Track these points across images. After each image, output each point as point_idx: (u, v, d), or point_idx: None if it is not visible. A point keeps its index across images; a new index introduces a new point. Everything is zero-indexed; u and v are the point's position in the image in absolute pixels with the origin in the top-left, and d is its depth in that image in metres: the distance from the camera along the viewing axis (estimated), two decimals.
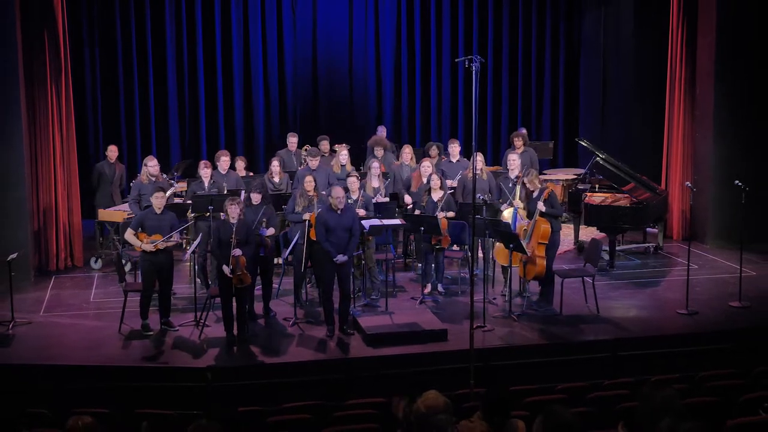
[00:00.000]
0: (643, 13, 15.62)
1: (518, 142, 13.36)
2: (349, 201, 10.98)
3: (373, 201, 11.33)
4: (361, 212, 10.78)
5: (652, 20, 15.17)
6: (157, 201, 10.01)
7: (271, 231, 10.39)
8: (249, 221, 9.91)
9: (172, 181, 12.35)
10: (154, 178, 11.80)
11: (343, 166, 12.53)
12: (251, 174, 13.30)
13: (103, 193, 12.99)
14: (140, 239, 9.85)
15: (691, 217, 13.83)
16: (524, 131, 14.18)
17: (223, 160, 11.97)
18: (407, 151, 12.98)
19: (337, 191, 9.82)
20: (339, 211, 9.79)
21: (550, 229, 10.27)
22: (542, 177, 12.19)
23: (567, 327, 10.17)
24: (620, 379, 8.15)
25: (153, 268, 9.90)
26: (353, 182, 11.05)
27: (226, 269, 9.40)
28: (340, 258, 9.72)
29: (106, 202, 12.87)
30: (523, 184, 10.68)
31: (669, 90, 14.22)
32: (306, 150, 12.80)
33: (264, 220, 10.23)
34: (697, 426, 4.69)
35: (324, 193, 11.09)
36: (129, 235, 10.01)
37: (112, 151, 13.22)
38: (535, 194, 10.47)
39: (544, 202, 10.36)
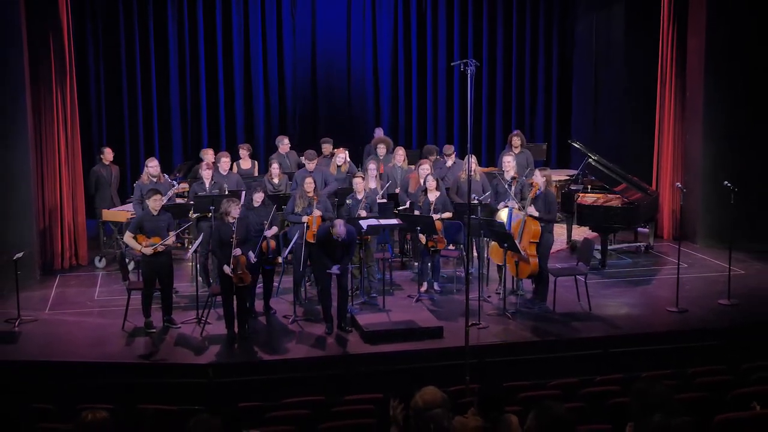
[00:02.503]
0: (634, 17, 15.72)
1: (516, 141, 13.55)
2: (349, 202, 11.17)
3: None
4: (362, 213, 10.93)
5: (643, 24, 15.27)
6: (154, 203, 10.07)
7: (273, 230, 10.52)
8: (251, 222, 10.06)
9: (174, 182, 12.44)
10: (155, 179, 11.87)
11: (339, 167, 12.67)
12: (255, 168, 13.52)
13: (102, 196, 12.96)
14: (139, 242, 9.94)
15: (681, 217, 13.92)
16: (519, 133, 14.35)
17: (224, 161, 12.14)
18: (400, 153, 13.09)
19: (340, 228, 9.79)
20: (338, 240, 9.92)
21: (540, 229, 10.38)
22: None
23: (560, 324, 10.27)
24: (612, 375, 8.19)
25: (153, 268, 10.00)
26: (359, 183, 11.20)
27: (227, 269, 9.51)
28: (335, 269, 9.87)
29: (107, 205, 12.89)
30: (522, 185, 10.84)
31: (659, 92, 14.32)
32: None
33: (265, 222, 10.40)
34: (686, 421, 4.74)
35: (322, 192, 11.28)
36: (128, 238, 10.09)
37: (108, 153, 13.20)
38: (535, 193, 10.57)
39: (534, 200, 10.50)
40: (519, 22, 17.88)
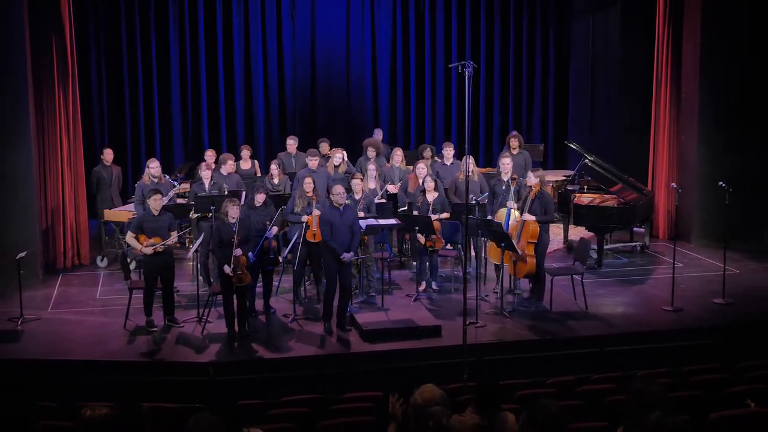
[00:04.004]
0: (630, 19, 15.80)
1: (514, 142, 13.62)
2: (349, 202, 11.24)
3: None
4: (360, 213, 10.93)
5: (639, 26, 15.37)
6: (154, 203, 10.12)
7: (274, 230, 10.57)
8: (253, 222, 10.13)
9: (174, 183, 12.51)
10: (156, 180, 11.95)
11: (336, 167, 12.72)
12: (257, 168, 13.61)
13: (103, 196, 13.01)
14: (140, 241, 10.00)
15: (676, 217, 14.07)
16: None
17: (229, 164, 12.24)
18: (398, 154, 13.16)
19: (338, 188, 10.02)
20: (341, 208, 10.01)
21: (538, 229, 10.48)
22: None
23: (557, 323, 10.33)
24: (608, 373, 8.22)
25: (154, 268, 10.06)
26: (357, 183, 11.28)
27: (227, 269, 9.56)
28: (347, 256, 9.91)
29: (107, 206, 12.93)
30: (520, 185, 10.94)
31: (655, 94, 14.41)
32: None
33: (268, 222, 10.47)
34: (683, 419, 4.75)
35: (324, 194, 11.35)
36: (129, 238, 10.15)
37: (109, 154, 13.25)
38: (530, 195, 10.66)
39: (532, 202, 10.60)
40: (516, 24, 17.96)
